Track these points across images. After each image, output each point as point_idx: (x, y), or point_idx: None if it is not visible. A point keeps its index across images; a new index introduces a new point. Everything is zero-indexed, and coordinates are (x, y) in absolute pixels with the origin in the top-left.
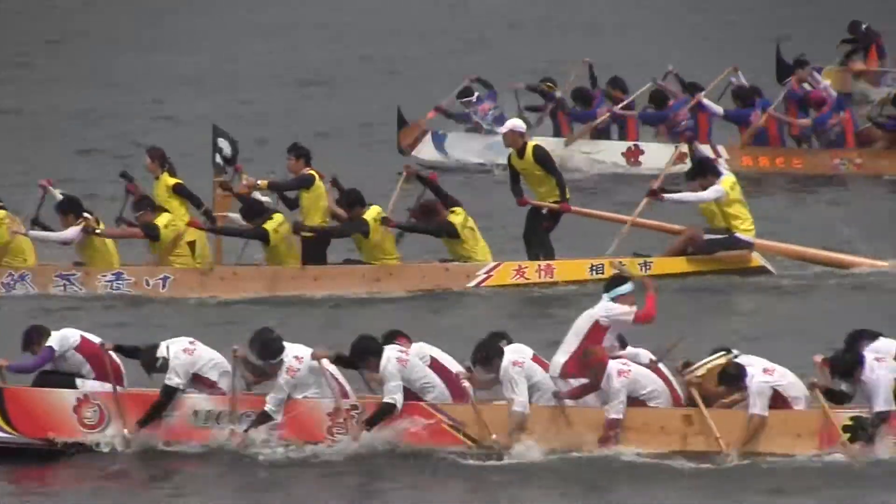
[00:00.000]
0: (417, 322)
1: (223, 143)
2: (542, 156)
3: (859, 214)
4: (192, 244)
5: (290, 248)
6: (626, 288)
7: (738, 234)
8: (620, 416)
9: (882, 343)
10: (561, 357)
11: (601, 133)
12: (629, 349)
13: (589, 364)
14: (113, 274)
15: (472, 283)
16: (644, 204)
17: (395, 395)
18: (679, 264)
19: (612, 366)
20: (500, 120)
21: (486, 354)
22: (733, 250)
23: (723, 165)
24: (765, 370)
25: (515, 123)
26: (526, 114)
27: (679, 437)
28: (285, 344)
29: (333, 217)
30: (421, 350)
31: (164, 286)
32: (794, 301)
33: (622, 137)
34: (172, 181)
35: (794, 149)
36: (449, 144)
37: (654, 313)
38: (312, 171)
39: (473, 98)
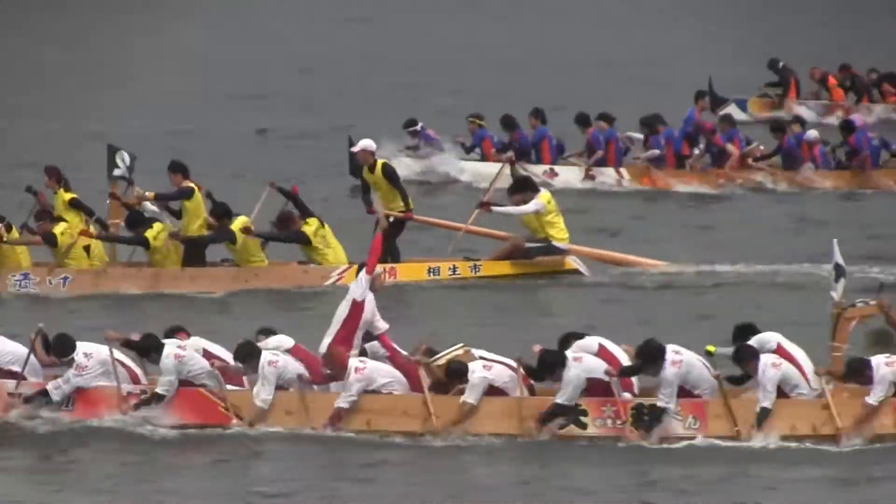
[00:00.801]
0: (280, 315)
1: (120, 159)
2: (389, 172)
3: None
4: (87, 248)
5: (170, 252)
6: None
7: (554, 242)
8: (346, 406)
9: (586, 342)
10: (326, 339)
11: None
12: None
13: (332, 363)
14: (21, 274)
15: (328, 283)
16: (475, 215)
17: (165, 387)
18: (504, 267)
19: (352, 363)
20: (439, 145)
21: (246, 353)
22: (550, 255)
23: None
24: (484, 366)
25: (367, 144)
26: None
27: (420, 419)
28: (78, 343)
29: (209, 226)
30: (196, 343)
31: (64, 285)
32: (599, 298)
33: (538, 161)
34: (69, 196)
35: (682, 171)
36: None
37: (373, 266)
38: (192, 184)
39: (418, 127)
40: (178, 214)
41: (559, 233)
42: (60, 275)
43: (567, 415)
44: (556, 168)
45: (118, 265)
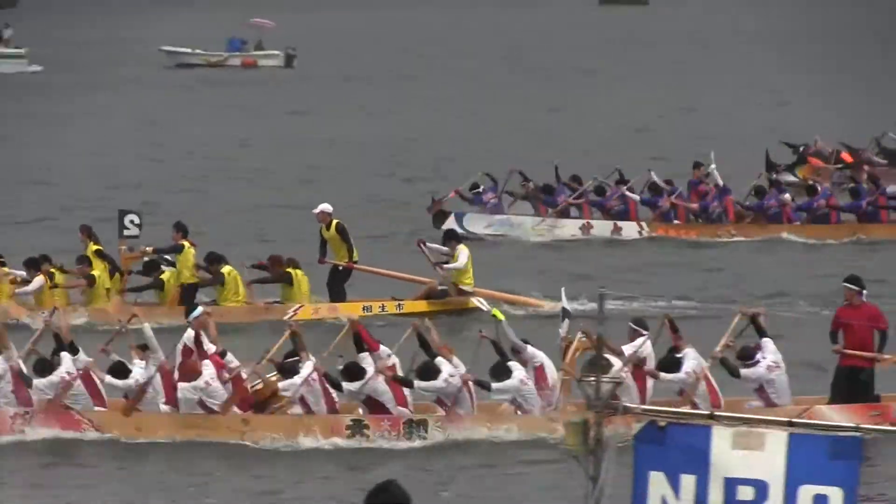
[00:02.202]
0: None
1: (129, 221)
2: (341, 229)
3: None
4: (108, 290)
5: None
6: (197, 312)
7: (461, 286)
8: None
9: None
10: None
11: (563, 213)
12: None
13: (187, 373)
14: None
15: (286, 317)
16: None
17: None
18: (422, 305)
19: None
20: (498, 207)
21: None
22: (458, 297)
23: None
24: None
25: (325, 207)
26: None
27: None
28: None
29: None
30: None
31: (90, 316)
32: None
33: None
34: (95, 247)
35: (691, 224)
36: (466, 221)
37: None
38: (184, 242)
39: (480, 189)
40: (172, 265)
41: (467, 280)
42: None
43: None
44: (592, 222)
45: (129, 303)
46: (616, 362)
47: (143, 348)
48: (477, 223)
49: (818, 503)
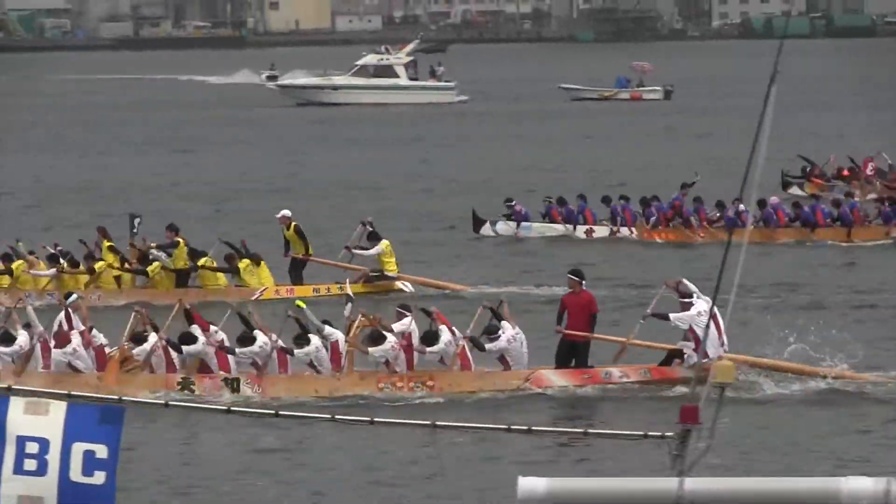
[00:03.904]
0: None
1: (137, 221)
2: (298, 230)
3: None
4: (117, 278)
5: (164, 279)
6: (72, 299)
7: (386, 272)
8: None
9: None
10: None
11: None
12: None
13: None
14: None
15: (254, 298)
16: (341, 256)
17: None
18: (358, 288)
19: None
20: (526, 216)
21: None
22: (385, 281)
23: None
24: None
25: (286, 212)
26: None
27: None
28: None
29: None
30: None
31: (98, 299)
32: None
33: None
34: (108, 243)
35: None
36: (498, 228)
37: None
38: (178, 238)
39: (514, 203)
40: (170, 255)
41: (391, 267)
42: (97, 292)
43: None
44: (594, 228)
45: (134, 287)
46: (391, 337)
47: (27, 326)
48: (505, 228)
49: (88, 456)
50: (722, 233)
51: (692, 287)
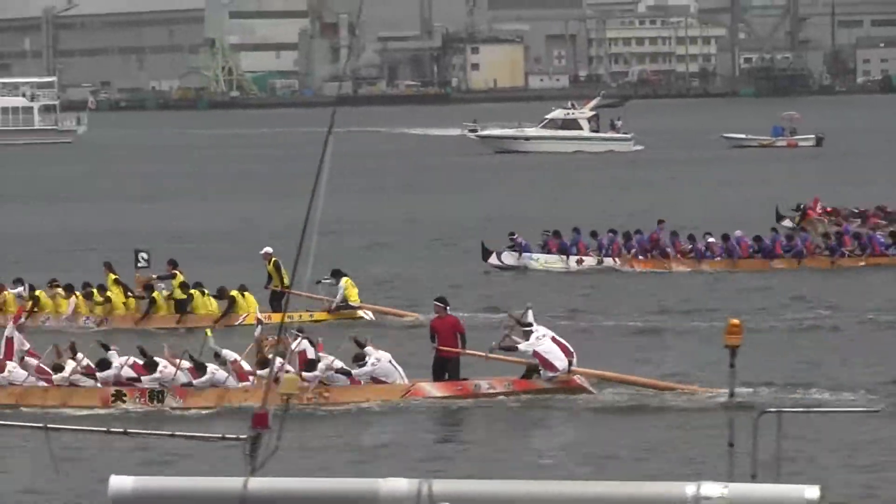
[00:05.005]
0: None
1: (141, 257)
2: (277, 265)
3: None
4: (125, 304)
5: (164, 306)
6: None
7: (350, 302)
8: None
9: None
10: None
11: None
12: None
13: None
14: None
15: (238, 322)
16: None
17: None
18: (324, 315)
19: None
20: (528, 248)
21: None
22: (348, 310)
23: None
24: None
25: (267, 249)
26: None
27: None
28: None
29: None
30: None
31: (107, 323)
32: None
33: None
34: (113, 276)
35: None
36: (504, 257)
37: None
38: (176, 271)
39: (515, 236)
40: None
41: (353, 297)
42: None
43: None
44: (584, 258)
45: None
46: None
47: None
48: (509, 258)
49: None
50: (694, 262)
51: (531, 317)
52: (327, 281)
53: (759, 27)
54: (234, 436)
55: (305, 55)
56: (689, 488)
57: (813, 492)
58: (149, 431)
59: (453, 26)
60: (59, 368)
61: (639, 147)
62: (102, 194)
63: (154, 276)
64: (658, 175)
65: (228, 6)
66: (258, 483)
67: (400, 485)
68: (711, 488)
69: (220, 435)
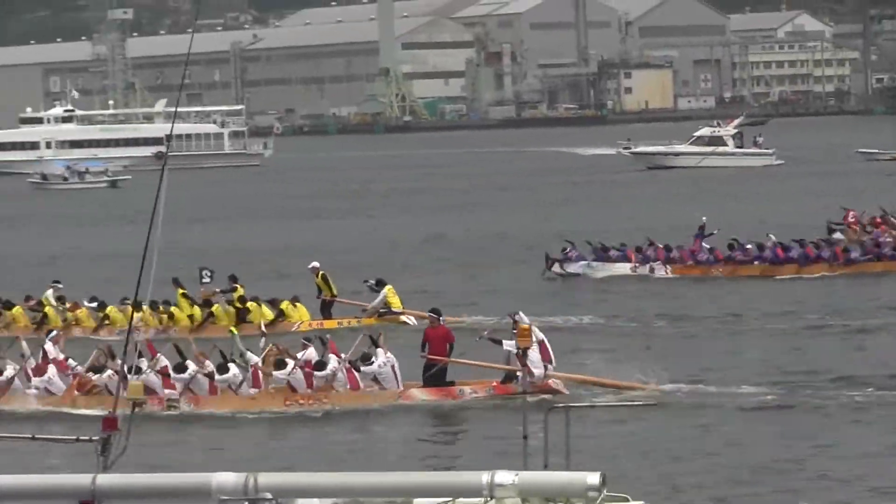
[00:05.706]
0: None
1: (204, 273)
2: (324, 277)
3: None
4: (191, 315)
5: (225, 315)
6: (52, 335)
7: (392, 308)
8: None
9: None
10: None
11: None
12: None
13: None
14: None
15: (292, 329)
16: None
17: None
18: (371, 321)
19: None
20: (579, 258)
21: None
22: (391, 315)
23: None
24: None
25: (314, 264)
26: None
27: None
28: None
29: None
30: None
31: (169, 333)
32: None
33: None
34: (182, 291)
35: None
36: (566, 266)
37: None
38: (236, 285)
39: (568, 249)
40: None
41: (395, 304)
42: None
43: None
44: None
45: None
46: (290, 363)
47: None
48: (573, 266)
49: None
50: (741, 268)
51: (526, 319)
52: (369, 283)
53: (891, 50)
54: (87, 437)
55: (472, 82)
56: (484, 477)
57: (594, 478)
58: (9, 435)
59: (608, 53)
60: (99, 369)
61: (780, 162)
62: (277, 213)
63: (217, 290)
64: (796, 186)
65: (401, 38)
66: (106, 479)
67: (229, 478)
68: (504, 476)
69: (74, 437)
